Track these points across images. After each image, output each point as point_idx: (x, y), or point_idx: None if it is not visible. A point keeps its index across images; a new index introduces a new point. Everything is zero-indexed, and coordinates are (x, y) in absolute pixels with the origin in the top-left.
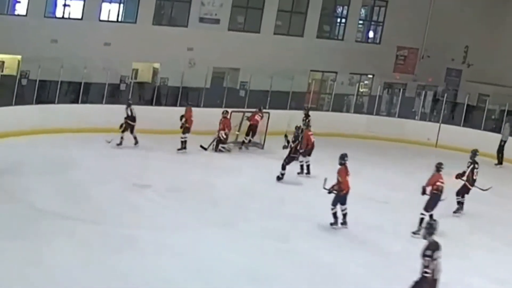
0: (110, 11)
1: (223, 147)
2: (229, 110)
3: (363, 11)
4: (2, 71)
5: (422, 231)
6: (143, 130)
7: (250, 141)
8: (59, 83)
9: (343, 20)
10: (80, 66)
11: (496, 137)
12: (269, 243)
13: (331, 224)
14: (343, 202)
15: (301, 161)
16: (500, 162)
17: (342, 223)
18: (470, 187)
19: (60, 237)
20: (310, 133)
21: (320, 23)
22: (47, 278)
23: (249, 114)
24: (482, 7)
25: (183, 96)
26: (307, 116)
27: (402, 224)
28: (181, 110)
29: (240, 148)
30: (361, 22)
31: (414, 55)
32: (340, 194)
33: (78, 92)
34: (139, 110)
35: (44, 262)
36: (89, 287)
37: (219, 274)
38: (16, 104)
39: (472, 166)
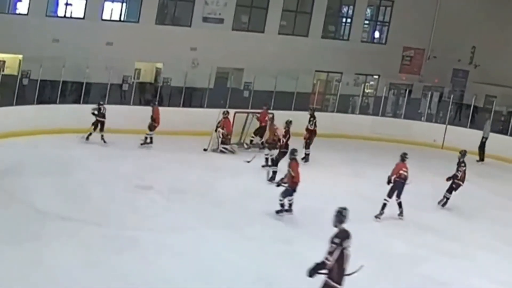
0: (113, 11)
1: (225, 148)
2: (230, 110)
3: (368, 11)
4: (3, 71)
5: (333, 219)
6: (147, 131)
7: (252, 142)
8: (61, 83)
9: (349, 20)
10: (82, 66)
11: (502, 139)
12: (270, 244)
13: (277, 212)
14: (292, 194)
15: (266, 154)
16: (481, 158)
17: (287, 210)
18: (462, 184)
19: (60, 238)
20: (275, 127)
21: (325, 23)
22: (47, 279)
23: (258, 114)
24: (488, 7)
25: (186, 97)
26: (313, 117)
27: (405, 226)
28: (185, 110)
29: (249, 148)
30: (366, 22)
31: (420, 55)
32: (292, 187)
33: (80, 92)
34: (141, 111)
35: (44, 263)
36: None
37: (220, 275)
38: (17, 104)
39: (465, 167)
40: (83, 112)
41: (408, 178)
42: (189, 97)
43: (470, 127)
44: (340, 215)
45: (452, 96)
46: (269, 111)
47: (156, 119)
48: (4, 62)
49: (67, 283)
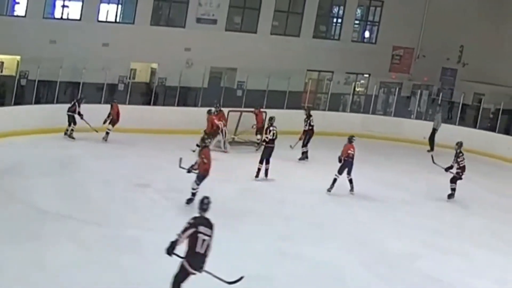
0: (108, 12)
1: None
2: (223, 109)
3: (359, 11)
4: (1, 72)
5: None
6: (142, 130)
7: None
8: (58, 83)
9: (339, 20)
10: (79, 67)
11: (491, 136)
12: (268, 241)
13: (188, 201)
14: (202, 180)
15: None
16: (432, 148)
17: (189, 199)
18: (463, 174)
19: (61, 237)
20: (214, 117)
21: (316, 23)
22: (47, 279)
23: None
24: (476, 7)
25: (181, 96)
26: (308, 116)
27: (399, 222)
28: (180, 109)
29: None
30: (357, 22)
31: (409, 54)
32: (203, 174)
33: (77, 92)
34: (137, 110)
35: (45, 263)
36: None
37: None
38: (15, 104)
39: (463, 157)
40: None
41: (354, 157)
42: (184, 96)
43: (459, 125)
44: (202, 203)
45: (441, 94)
46: (262, 109)
47: (114, 116)
48: (2, 63)
49: (67, 283)
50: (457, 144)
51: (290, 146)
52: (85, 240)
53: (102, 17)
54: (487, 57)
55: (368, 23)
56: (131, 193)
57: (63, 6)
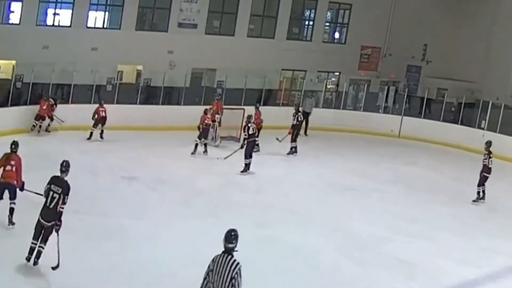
0: (97, 19)
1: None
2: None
3: (329, 14)
4: None
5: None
6: (129, 127)
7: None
8: (51, 85)
9: (311, 23)
10: (69, 70)
11: (453, 127)
12: (251, 230)
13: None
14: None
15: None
16: (305, 132)
17: None
18: (488, 175)
19: None
20: (101, 108)
21: (289, 26)
22: (37, 268)
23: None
24: (439, 8)
25: (165, 95)
26: (297, 111)
27: (369, 208)
28: (164, 108)
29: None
30: (327, 24)
31: (377, 53)
32: None
33: (68, 94)
34: (125, 109)
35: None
36: (79, 276)
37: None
38: (11, 105)
39: (488, 157)
40: (72, 111)
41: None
42: (168, 95)
43: (424, 118)
44: (61, 166)
45: (407, 90)
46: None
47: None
48: None
49: (57, 271)
50: (486, 143)
51: (277, 139)
52: (71, 228)
53: (90, 24)
54: (449, 55)
55: (338, 24)
56: (118, 184)
57: (55, 14)
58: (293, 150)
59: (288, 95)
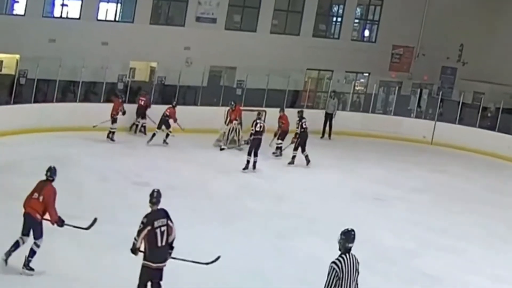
0: (108, 11)
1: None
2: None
3: (358, 10)
4: (0, 70)
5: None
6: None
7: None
8: (57, 82)
9: (339, 19)
10: (78, 66)
11: (489, 134)
12: (266, 239)
13: None
14: None
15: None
16: (329, 136)
17: None
18: None
19: (59, 237)
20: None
21: (316, 22)
22: (46, 277)
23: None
24: (476, 5)
25: (180, 95)
26: (300, 119)
27: (397, 220)
28: (179, 108)
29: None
30: (356, 21)
31: (409, 53)
32: None
33: (76, 91)
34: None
35: (43, 262)
36: (89, 285)
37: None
38: (14, 103)
39: None
40: (80, 111)
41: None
42: (183, 95)
43: (459, 123)
44: (151, 197)
45: (441, 93)
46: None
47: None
48: (1, 61)
49: (65, 280)
50: None
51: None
52: (80, 238)
53: (101, 16)
54: (487, 56)
55: (368, 21)
56: (129, 190)
57: (63, 4)
58: (293, 160)
59: (313, 97)
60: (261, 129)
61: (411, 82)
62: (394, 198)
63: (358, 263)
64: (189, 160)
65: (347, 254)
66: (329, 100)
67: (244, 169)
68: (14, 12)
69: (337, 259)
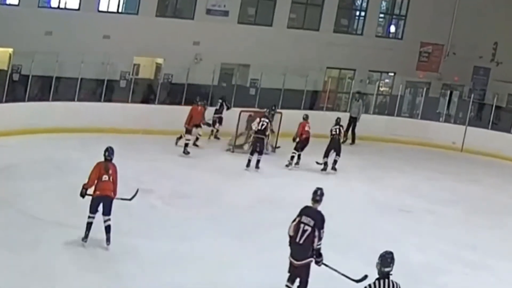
0: (110, 2)
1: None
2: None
3: (384, 3)
4: None
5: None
6: (147, 131)
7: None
8: (54, 78)
9: (363, 13)
10: (76, 61)
11: None
12: (282, 254)
13: None
14: None
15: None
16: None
17: None
18: None
19: (57, 245)
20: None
21: (337, 16)
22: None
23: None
24: None
25: (188, 94)
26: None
27: (424, 234)
28: (187, 109)
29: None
30: (382, 15)
31: (439, 52)
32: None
33: (74, 89)
34: (141, 110)
35: (40, 271)
36: None
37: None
38: (6, 101)
39: None
40: (78, 110)
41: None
42: (192, 94)
43: (492, 129)
44: (313, 194)
45: (472, 95)
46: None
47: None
48: None
49: None
50: None
51: (317, 163)
52: (81, 248)
53: (103, 7)
54: None
55: (394, 16)
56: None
57: None
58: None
59: (334, 98)
60: (263, 128)
61: (440, 83)
62: (422, 210)
63: None
64: (196, 165)
65: (384, 280)
66: (353, 102)
67: (247, 166)
68: (8, 2)
69: (369, 284)
